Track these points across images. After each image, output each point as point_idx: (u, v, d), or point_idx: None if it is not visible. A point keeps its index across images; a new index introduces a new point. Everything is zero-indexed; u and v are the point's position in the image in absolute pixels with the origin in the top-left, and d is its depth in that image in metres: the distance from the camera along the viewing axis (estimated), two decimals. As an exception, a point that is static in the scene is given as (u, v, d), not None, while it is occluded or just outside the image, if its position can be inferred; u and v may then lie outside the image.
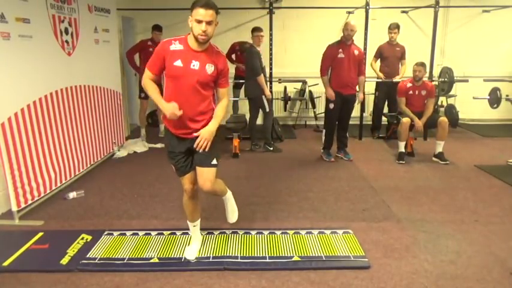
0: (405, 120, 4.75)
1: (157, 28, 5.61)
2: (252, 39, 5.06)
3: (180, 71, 2.29)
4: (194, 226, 2.75)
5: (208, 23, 2.20)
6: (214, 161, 2.49)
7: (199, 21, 2.19)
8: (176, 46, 2.30)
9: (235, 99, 6.34)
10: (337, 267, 2.56)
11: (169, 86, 2.36)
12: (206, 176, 2.46)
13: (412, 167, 4.64)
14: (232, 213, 2.87)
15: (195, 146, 2.36)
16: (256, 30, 5.02)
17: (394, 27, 5.63)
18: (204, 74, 2.32)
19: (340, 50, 4.54)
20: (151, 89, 2.37)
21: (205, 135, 2.35)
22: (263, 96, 5.07)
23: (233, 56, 6.23)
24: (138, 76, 5.76)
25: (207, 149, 2.37)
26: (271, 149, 5.30)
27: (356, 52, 4.60)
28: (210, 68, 2.33)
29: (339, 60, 4.55)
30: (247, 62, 5.10)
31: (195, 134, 2.38)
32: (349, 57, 4.56)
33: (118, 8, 5.39)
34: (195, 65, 2.30)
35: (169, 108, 2.28)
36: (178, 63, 2.28)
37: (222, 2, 5.88)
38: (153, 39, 5.59)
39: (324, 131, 5.01)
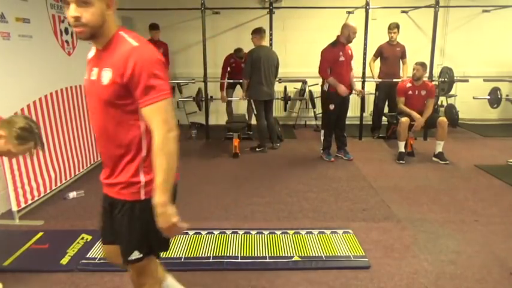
0: (404, 119, 4.74)
1: (154, 27, 5.60)
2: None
3: (85, 87, 1.51)
4: None
5: (79, 3, 1.31)
6: (136, 255, 1.49)
7: (66, 4, 1.33)
8: (90, 53, 1.52)
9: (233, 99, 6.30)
10: (337, 267, 2.56)
11: None
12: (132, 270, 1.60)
13: (412, 167, 4.64)
14: None
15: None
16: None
17: (394, 27, 5.63)
18: (99, 87, 1.40)
19: (341, 53, 4.53)
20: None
21: (160, 221, 1.37)
22: (251, 100, 5.30)
23: (229, 69, 5.96)
24: None
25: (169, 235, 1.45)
26: (258, 150, 5.24)
27: (350, 52, 4.63)
28: (105, 75, 1.37)
29: (340, 63, 4.54)
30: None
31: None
32: (347, 59, 4.57)
33: (118, 8, 5.35)
34: (93, 73, 1.43)
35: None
36: (85, 75, 1.50)
37: (222, 2, 5.96)
38: (153, 38, 5.62)
39: (322, 131, 5.01)
